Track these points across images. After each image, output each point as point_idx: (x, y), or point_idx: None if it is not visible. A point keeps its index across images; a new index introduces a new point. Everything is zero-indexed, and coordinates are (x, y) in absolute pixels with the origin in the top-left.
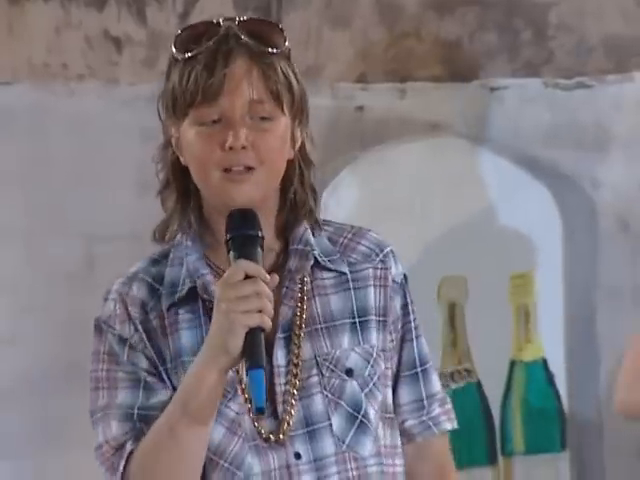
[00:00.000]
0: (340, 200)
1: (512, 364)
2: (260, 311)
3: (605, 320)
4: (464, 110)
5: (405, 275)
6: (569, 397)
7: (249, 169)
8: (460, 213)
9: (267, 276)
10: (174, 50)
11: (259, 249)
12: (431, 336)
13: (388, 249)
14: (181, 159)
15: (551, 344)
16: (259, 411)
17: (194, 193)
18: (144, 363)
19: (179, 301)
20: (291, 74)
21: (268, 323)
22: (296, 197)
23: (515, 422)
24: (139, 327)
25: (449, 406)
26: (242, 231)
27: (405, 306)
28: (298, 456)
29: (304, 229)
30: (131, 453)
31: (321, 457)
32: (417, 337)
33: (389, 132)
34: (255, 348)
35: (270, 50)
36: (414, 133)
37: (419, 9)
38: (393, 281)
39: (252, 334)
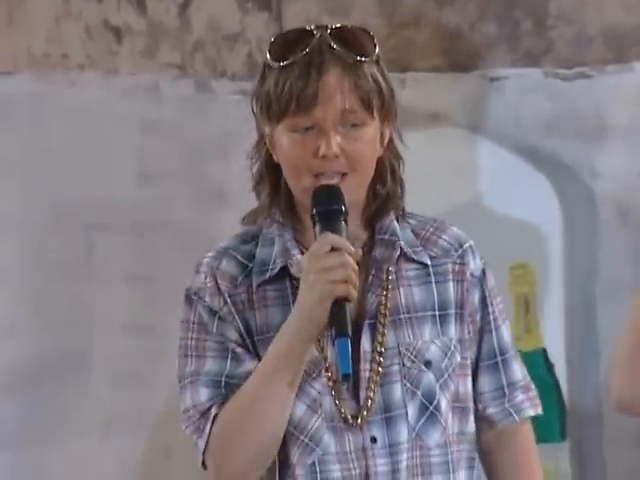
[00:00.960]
0: None
1: None
2: (346, 282)
3: (605, 310)
4: (464, 100)
5: (484, 270)
6: (569, 387)
7: (342, 175)
8: (460, 203)
9: (352, 248)
10: (269, 57)
11: (343, 223)
12: None
13: (467, 245)
14: (274, 156)
15: (551, 334)
16: (345, 377)
17: (285, 188)
18: (233, 334)
19: (269, 279)
20: (380, 78)
21: (353, 293)
22: (387, 191)
23: None
24: (228, 300)
25: (533, 393)
26: (327, 206)
27: (484, 299)
28: (374, 440)
29: (390, 220)
30: (216, 416)
31: (395, 443)
32: (497, 328)
33: None
34: (341, 317)
35: (361, 59)
36: (414, 123)
37: None
38: (471, 275)
39: (338, 304)
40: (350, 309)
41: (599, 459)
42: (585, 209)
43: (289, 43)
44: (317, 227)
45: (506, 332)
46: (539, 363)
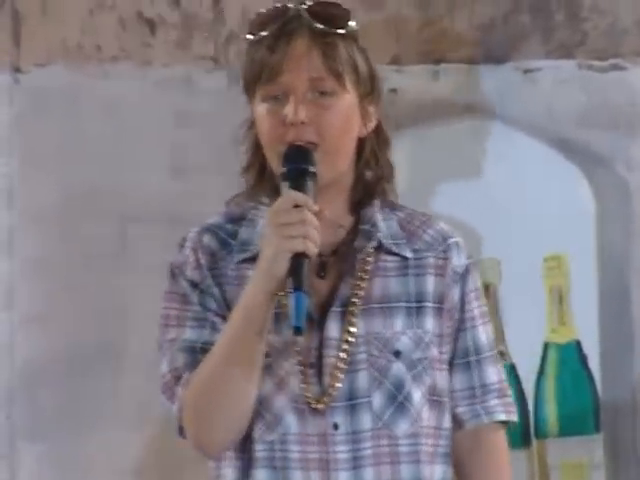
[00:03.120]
0: None
1: (546, 346)
2: (305, 238)
3: (639, 301)
4: (497, 92)
5: (467, 266)
6: (603, 379)
7: (312, 145)
8: (494, 195)
9: (314, 206)
10: (248, 34)
11: (310, 182)
12: None
13: (452, 240)
14: (259, 137)
15: (585, 326)
16: (297, 330)
17: (270, 170)
18: (212, 305)
19: (249, 258)
20: (357, 54)
21: (312, 249)
22: (372, 174)
23: (549, 404)
24: (207, 273)
25: (509, 399)
26: (295, 164)
27: (462, 296)
28: (336, 427)
29: (374, 210)
30: (188, 381)
31: (358, 431)
32: (473, 327)
33: (423, 114)
34: (298, 272)
35: (332, 30)
36: (448, 115)
37: None
38: (453, 271)
39: (296, 259)
40: (309, 268)
41: (633, 451)
42: (619, 201)
43: (264, 18)
44: (284, 185)
45: (484, 333)
46: (573, 355)
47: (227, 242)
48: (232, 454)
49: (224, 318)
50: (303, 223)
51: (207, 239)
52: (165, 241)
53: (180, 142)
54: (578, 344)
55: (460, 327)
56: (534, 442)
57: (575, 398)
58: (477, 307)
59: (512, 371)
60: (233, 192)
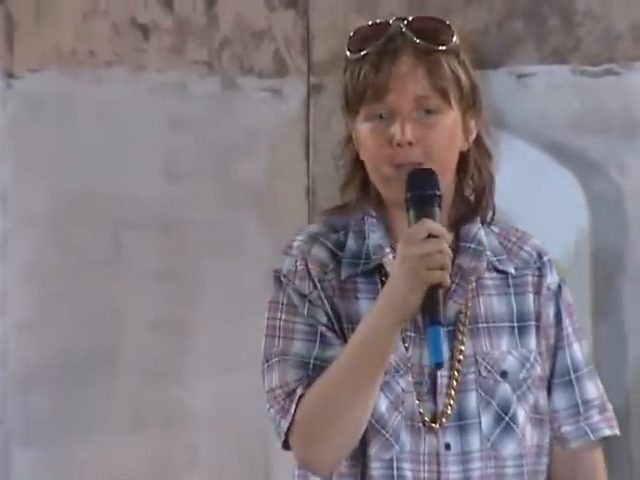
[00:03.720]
0: None
1: None
2: (442, 269)
3: (632, 306)
4: (491, 97)
5: (559, 284)
6: None
7: (418, 165)
8: None
9: (448, 235)
10: (347, 51)
11: (438, 209)
12: None
13: (546, 257)
14: (360, 154)
15: None
16: (437, 366)
17: (374, 187)
18: (323, 318)
19: (360, 273)
20: (459, 69)
21: (447, 281)
22: (475, 188)
23: None
24: (318, 285)
25: (610, 413)
26: (422, 190)
27: (558, 314)
28: (448, 447)
29: (477, 228)
30: (301, 397)
31: (468, 451)
32: (569, 345)
33: None
34: (434, 305)
35: (436, 47)
36: None
37: None
38: (547, 289)
39: (432, 291)
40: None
41: (627, 456)
42: (612, 205)
43: (365, 35)
44: (411, 212)
45: (580, 349)
46: None
47: (335, 253)
48: (342, 471)
49: (334, 331)
50: (441, 254)
51: (316, 249)
52: (159, 246)
53: (174, 147)
54: None
55: (557, 345)
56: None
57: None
58: (571, 324)
59: None
60: (227, 197)
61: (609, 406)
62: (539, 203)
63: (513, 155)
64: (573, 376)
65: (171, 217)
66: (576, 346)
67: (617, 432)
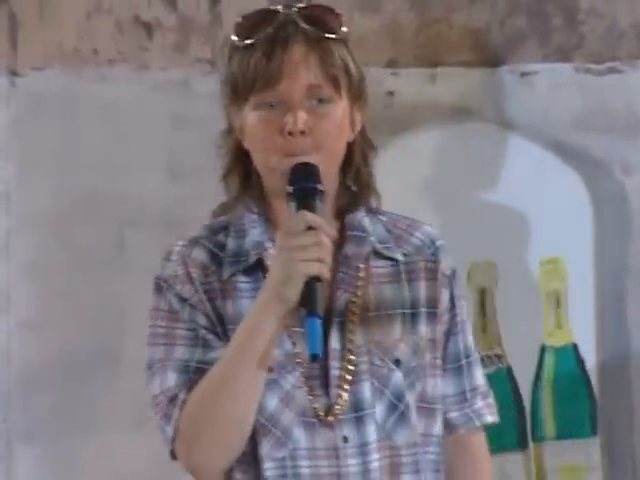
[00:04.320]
0: None
1: (542, 349)
2: (320, 261)
3: (635, 305)
4: (494, 95)
5: (454, 270)
6: (599, 382)
7: (309, 155)
8: (490, 198)
9: (328, 228)
10: (235, 38)
11: (320, 202)
12: None
13: (439, 243)
14: (243, 144)
15: (582, 329)
16: (314, 357)
17: (256, 177)
18: (203, 321)
19: (242, 270)
20: (349, 58)
21: (327, 273)
22: (359, 179)
23: (546, 407)
24: (199, 288)
25: (491, 400)
26: (304, 184)
27: (452, 299)
28: (346, 439)
29: (361, 215)
30: (184, 402)
31: (366, 442)
32: (463, 330)
33: (420, 117)
34: (313, 297)
35: (327, 35)
36: (445, 118)
37: None
38: (442, 275)
39: (310, 283)
40: (322, 291)
41: (630, 454)
42: (616, 204)
43: (255, 22)
44: (292, 205)
45: (470, 335)
46: (570, 358)
47: (216, 254)
48: (237, 477)
49: (217, 335)
50: (319, 246)
51: (196, 252)
52: (162, 245)
53: (177, 145)
54: (575, 347)
55: (451, 331)
56: (531, 445)
57: (572, 401)
58: (463, 308)
59: (509, 374)
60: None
61: (491, 393)
62: (543, 201)
63: (516, 153)
64: (464, 362)
65: (174, 215)
66: (468, 331)
67: (497, 420)
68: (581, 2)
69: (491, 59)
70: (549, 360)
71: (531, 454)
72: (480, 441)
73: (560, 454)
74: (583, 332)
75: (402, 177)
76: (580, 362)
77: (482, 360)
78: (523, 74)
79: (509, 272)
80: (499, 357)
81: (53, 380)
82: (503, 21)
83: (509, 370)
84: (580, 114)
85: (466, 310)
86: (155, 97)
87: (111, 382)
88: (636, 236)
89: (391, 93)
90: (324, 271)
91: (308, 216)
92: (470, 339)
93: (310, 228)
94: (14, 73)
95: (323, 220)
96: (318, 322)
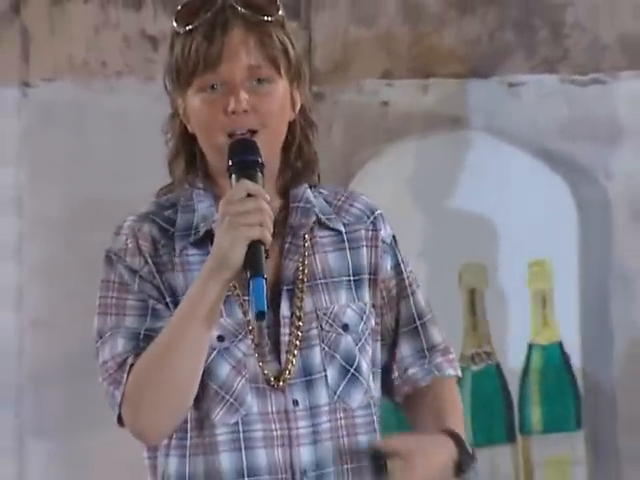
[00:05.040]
0: (365, 191)
1: (530, 347)
2: (261, 225)
3: (618, 305)
4: (484, 105)
5: (394, 236)
6: (584, 378)
7: (252, 132)
8: (481, 203)
9: (267, 196)
10: (175, 24)
11: (260, 173)
12: (453, 321)
13: (378, 212)
14: (188, 127)
15: (567, 328)
16: (259, 315)
17: (200, 159)
18: (153, 292)
19: (192, 243)
20: (287, 40)
21: (268, 237)
22: (302, 155)
23: (533, 402)
24: (149, 260)
25: (452, 356)
26: (243, 157)
27: (397, 265)
28: (296, 403)
29: (304, 188)
30: (132, 366)
31: (315, 405)
32: (413, 293)
33: (413, 126)
34: (256, 259)
35: (265, 19)
36: (437, 127)
37: (441, 8)
38: (383, 242)
39: (253, 247)
40: (263, 255)
41: (613, 447)
42: (600, 208)
43: (193, 8)
44: (233, 177)
45: (422, 297)
46: (556, 355)
47: (166, 229)
48: (175, 442)
49: (166, 305)
50: (259, 211)
51: (147, 227)
52: None
53: None
54: (560, 345)
55: (401, 294)
56: (519, 438)
57: (557, 396)
58: (410, 273)
59: (497, 370)
60: None
61: (452, 350)
62: (529, 207)
63: (505, 160)
64: (418, 323)
65: None
66: (418, 294)
67: (459, 374)
68: (566, 16)
69: (481, 71)
70: (536, 357)
71: (519, 447)
72: (447, 386)
73: (546, 447)
74: (568, 330)
75: (396, 183)
76: (566, 359)
77: (472, 357)
78: (511, 85)
79: (499, 274)
80: (488, 354)
81: (63, 376)
82: (492, 34)
83: (498, 367)
84: (565, 123)
85: (413, 275)
86: (160, 107)
87: None
88: (619, 239)
89: (386, 103)
90: (265, 234)
91: (248, 184)
92: (423, 301)
93: (250, 196)
94: (26, 84)
95: (262, 188)
96: (262, 281)
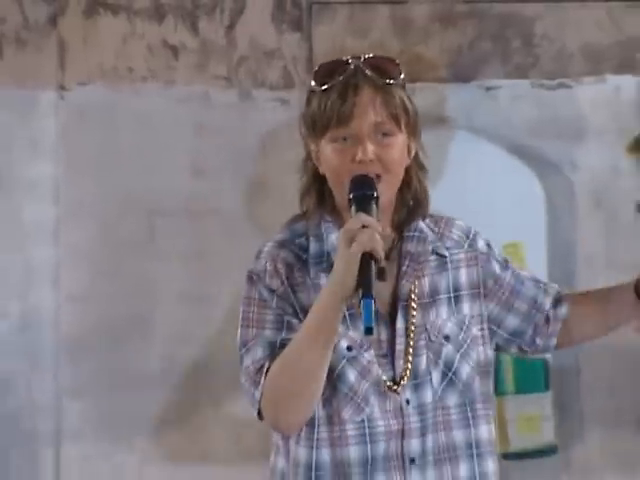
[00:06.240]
0: None
1: None
2: (371, 241)
3: (582, 282)
4: (464, 106)
5: (488, 244)
6: None
7: (377, 176)
8: (462, 193)
9: (380, 227)
10: (313, 83)
11: (374, 206)
12: None
13: (472, 233)
14: (319, 169)
15: None
16: (368, 331)
17: (329, 196)
18: (289, 309)
19: (323, 270)
20: (406, 99)
21: (379, 250)
22: (416, 195)
23: (507, 367)
24: (285, 282)
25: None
26: (361, 191)
27: (502, 262)
28: (408, 402)
29: (417, 222)
30: (268, 369)
31: (423, 404)
32: (522, 275)
33: None
34: (367, 280)
35: (389, 82)
36: (423, 126)
37: (427, 21)
38: (482, 253)
39: (364, 262)
40: (375, 274)
41: (577, 406)
42: (566, 197)
43: (329, 71)
44: (352, 209)
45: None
46: None
47: (300, 256)
48: (305, 434)
49: (300, 320)
50: (371, 239)
51: (284, 253)
52: (187, 232)
53: (199, 149)
54: None
55: (517, 279)
56: (494, 398)
57: (528, 362)
58: (511, 262)
59: None
60: (243, 190)
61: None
62: (504, 197)
63: (482, 155)
64: (525, 271)
65: (197, 207)
66: (525, 272)
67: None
68: (536, 28)
69: (461, 76)
70: None
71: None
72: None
73: (518, 406)
74: None
75: None
76: None
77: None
78: (488, 88)
79: None
80: None
81: (94, 344)
82: (471, 44)
83: None
84: (536, 122)
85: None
86: (180, 108)
87: (143, 348)
88: (582, 223)
89: None
90: (376, 247)
91: (362, 216)
92: (527, 272)
93: (364, 227)
94: (62, 88)
95: (375, 220)
96: (371, 302)
